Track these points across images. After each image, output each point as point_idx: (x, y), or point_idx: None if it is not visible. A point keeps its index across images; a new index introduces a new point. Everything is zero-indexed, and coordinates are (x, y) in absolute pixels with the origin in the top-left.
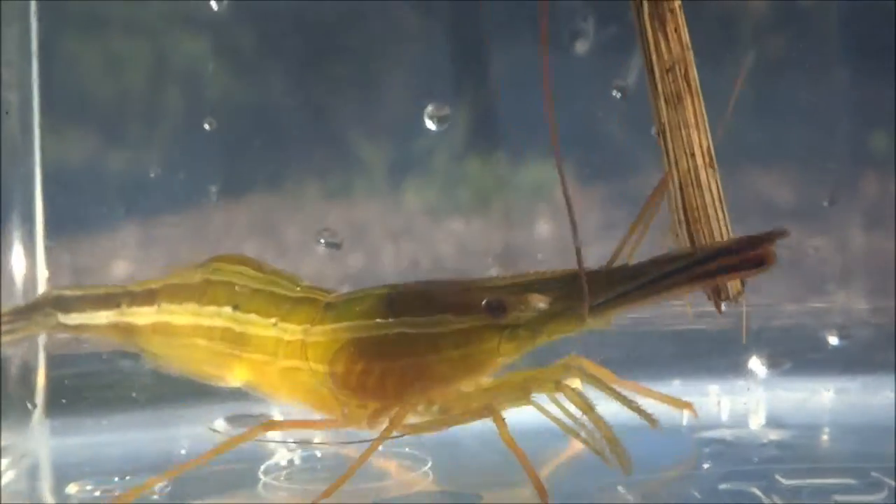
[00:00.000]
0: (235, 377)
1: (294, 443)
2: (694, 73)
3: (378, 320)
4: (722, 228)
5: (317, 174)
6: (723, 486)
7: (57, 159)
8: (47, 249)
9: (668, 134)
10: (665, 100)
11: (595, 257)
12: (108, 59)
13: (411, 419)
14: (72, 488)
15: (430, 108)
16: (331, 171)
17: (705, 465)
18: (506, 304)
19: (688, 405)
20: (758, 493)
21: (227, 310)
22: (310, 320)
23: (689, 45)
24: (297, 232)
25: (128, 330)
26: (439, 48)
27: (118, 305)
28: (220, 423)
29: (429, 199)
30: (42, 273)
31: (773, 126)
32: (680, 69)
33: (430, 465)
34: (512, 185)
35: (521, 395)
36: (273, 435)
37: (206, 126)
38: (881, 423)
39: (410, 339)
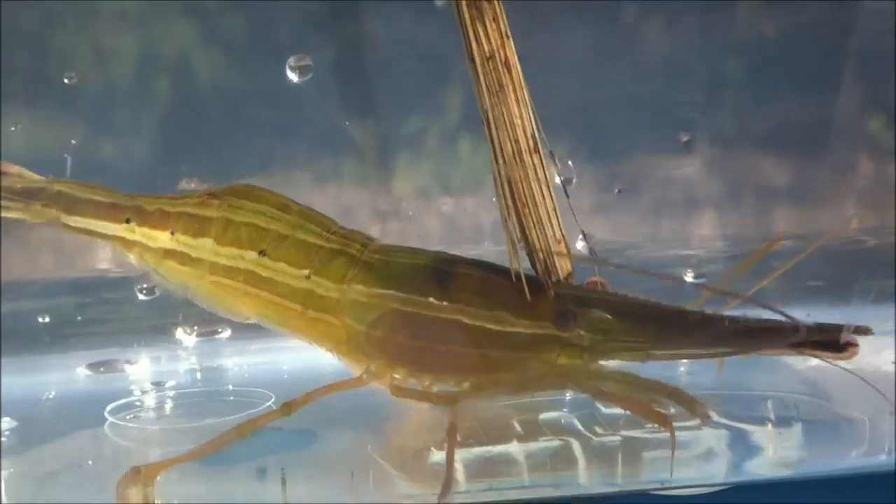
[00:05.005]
0: (253, 314)
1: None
2: (515, 60)
3: (431, 299)
4: (550, 213)
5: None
6: (543, 416)
7: None
8: None
9: (491, 121)
10: (487, 88)
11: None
12: None
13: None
14: None
15: (291, 60)
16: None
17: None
18: (578, 316)
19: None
20: (577, 423)
21: (252, 254)
22: (346, 277)
23: (509, 34)
24: None
25: (137, 247)
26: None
27: (127, 221)
28: (82, 370)
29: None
30: None
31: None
32: (500, 57)
33: (273, 400)
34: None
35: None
36: (132, 377)
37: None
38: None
39: (464, 328)
